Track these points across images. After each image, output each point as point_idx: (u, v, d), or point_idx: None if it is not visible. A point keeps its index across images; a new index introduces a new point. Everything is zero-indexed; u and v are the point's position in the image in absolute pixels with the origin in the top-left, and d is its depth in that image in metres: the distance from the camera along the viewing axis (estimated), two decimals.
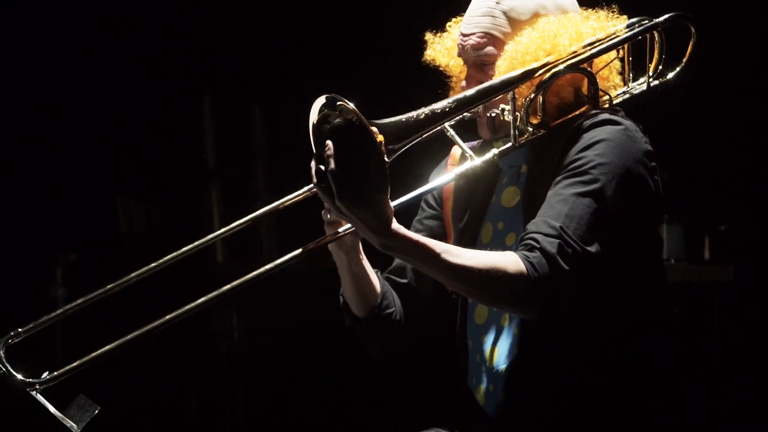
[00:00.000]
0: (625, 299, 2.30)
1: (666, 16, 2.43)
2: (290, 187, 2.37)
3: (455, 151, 2.58)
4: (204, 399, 5.50)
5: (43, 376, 2.20)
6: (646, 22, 2.42)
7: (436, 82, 2.55)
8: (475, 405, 2.43)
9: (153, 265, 2.34)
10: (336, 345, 4.63)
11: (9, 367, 2.21)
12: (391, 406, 5.18)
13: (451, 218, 2.55)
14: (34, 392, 2.19)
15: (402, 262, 2.52)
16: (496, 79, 2.34)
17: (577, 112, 2.35)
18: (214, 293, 2.24)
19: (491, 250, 2.27)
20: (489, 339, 2.41)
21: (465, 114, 2.34)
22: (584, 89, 2.38)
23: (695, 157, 5.14)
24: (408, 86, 3.26)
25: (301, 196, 2.36)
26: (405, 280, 2.54)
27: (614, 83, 2.43)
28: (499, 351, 2.38)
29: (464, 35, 2.42)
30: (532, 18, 2.39)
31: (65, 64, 5.27)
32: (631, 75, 2.44)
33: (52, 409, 2.19)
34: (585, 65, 2.36)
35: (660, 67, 2.44)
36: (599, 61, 2.39)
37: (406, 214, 2.32)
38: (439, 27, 2.55)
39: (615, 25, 2.41)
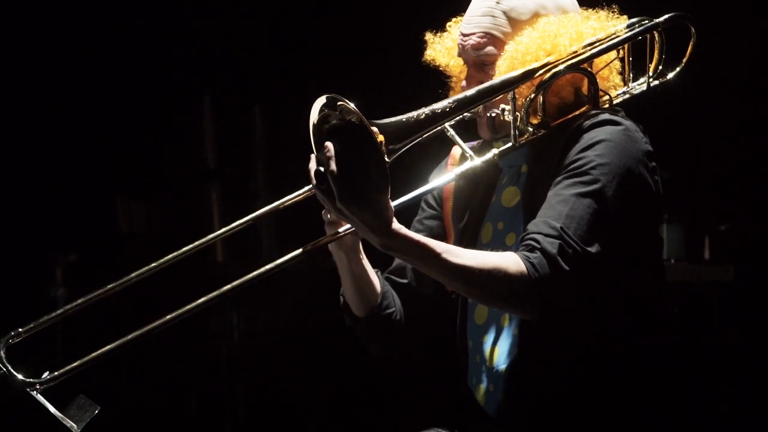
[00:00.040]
0: (626, 299, 2.30)
1: (666, 16, 2.43)
2: (290, 187, 2.37)
3: (455, 151, 2.58)
4: (204, 399, 5.50)
5: (44, 376, 2.20)
6: (647, 22, 2.42)
7: (436, 82, 2.55)
8: (475, 405, 2.43)
9: (153, 265, 2.34)
10: (336, 345, 4.63)
11: (9, 367, 2.21)
12: (391, 406, 5.18)
13: (451, 218, 2.55)
14: (35, 392, 2.20)
15: (402, 262, 2.52)
16: (497, 79, 2.34)
17: (577, 112, 2.35)
18: (214, 293, 2.24)
19: (491, 250, 2.27)
20: (489, 339, 2.41)
21: (465, 114, 2.34)
22: (584, 89, 2.38)
23: (695, 157, 5.14)
24: (408, 86, 3.26)
25: (301, 196, 2.35)
26: (405, 280, 2.54)
27: (614, 83, 2.43)
28: (499, 351, 2.38)
29: (464, 35, 2.42)
30: (532, 18, 2.39)
31: (65, 64, 5.27)
32: (631, 75, 2.44)
33: (52, 409, 2.19)
34: (585, 65, 2.36)
35: (660, 67, 2.44)
36: (599, 61, 2.39)
37: (406, 214, 2.32)
38: (439, 27, 2.55)
39: (615, 25, 2.41)
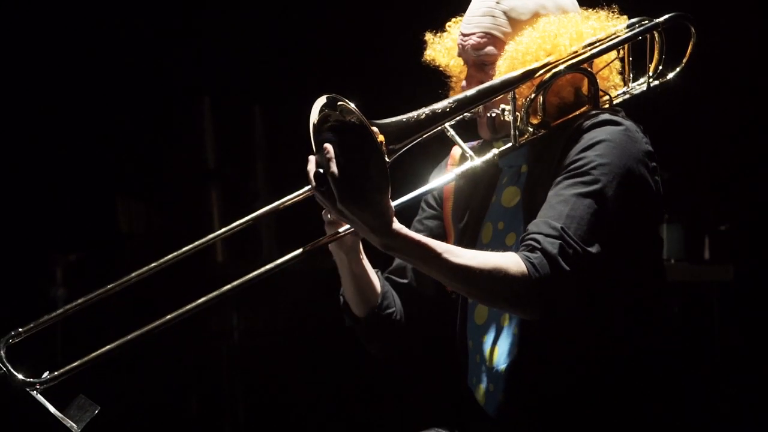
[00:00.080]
0: (626, 299, 2.30)
1: (666, 16, 2.43)
2: (290, 187, 2.36)
3: (455, 151, 2.58)
4: (204, 399, 5.50)
5: (44, 376, 2.20)
6: (647, 22, 2.42)
7: (437, 82, 2.55)
8: (475, 405, 2.43)
9: (153, 265, 2.34)
10: (336, 345, 4.63)
11: (9, 367, 2.21)
12: (391, 406, 5.18)
13: (451, 218, 2.55)
14: (35, 392, 2.20)
15: (402, 262, 2.52)
16: (497, 79, 2.34)
17: (577, 113, 2.35)
18: (214, 293, 2.24)
19: (491, 250, 2.28)
20: (489, 339, 2.41)
21: (465, 114, 2.34)
22: (584, 89, 2.38)
23: (695, 157, 5.14)
24: (408, 86, 3.26)
25: (301, 197, 2.35)
26: (405, 281, 2.54)
27: (614, 83, 2.43)
28: (499, 351, 2.38)
29: (464, 35, 2.42)
30: (532, 18, 2.39)
31: (65, 64, 5.26)
32: (631, 75, 2.44)
33: (52, 409, 2.19)
34: (585, 65, 2.36)
35: (660, 68, 2.44)
36: (599, 61, 2.39)
37: (406, 214, 2.32)
38: (439, 27, 2.55)
39: (615, 25, 2.41)
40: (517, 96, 2.32)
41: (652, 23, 2.41)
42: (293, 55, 5.43)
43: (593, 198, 2.21)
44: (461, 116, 2.33)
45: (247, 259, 5.55)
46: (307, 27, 5.39)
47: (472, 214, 2.49)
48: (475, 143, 2.51)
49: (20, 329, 2.28)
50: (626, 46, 2.41)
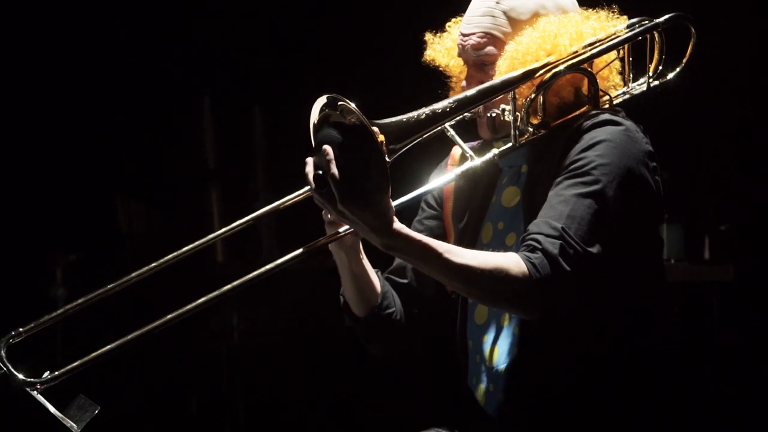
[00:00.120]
0: (626, 299, 2.30)
1: (666, 16, 2.43)
2: (290, 187, 2.36)
3: (455, 151, 2.58)
4: (204, 399, 5.50)
5: (44, 375, 2.20)
6: (647, 22, 2.42)
7: (437, 82, 2.55)
8: (475, 405, 2.43)
9: (153, 265, 2.34)
10: (336, 345, 4.63)
11: (10, 367, 2.21)
12: (391, 406, 5.18)
13: (451, 218, 2.55)
14: (35, 392, 2.20)
15: (402, 262, 2.52)
16: (497, 79, 2.34)
17: (577, 113, 2.35)
18: (214, 293, 2.24)
19: (491, 250, 2.27)
20: (489, 339, 2.41)
21: (465, 114, 2.34)
22: (584, 89, 2.38)
23: (695, 157, 5.13)
24: (408, 86, 3.26)
25: (301, 197, 2.35)
26: (405, 281, 2.54)
27: (614, 83, 2.43)
28: (499, 351, 2.38)
29: (464, 35, 2.42)
30: (532, 18, 2.39)
31: (65, 64, 5.26)
32: (631, 75, 2.44)
33: (52, 409, 2.19)
34: (585, 65, 2.36)
35: (660, 68, 2.44)
36: (599, 62, 2.39)
37: (406, 215, 2.32)
38: (439, 27, 2.55)
39: (615, 25, 2.41)
40: (517, 96, 2.32)
41: (652, 23, 2.41)
42: (293, 55, 5.43)
43: (594, 198, 2.21)
44: (461, 116, 2.33)
45: (247, 259, 5.55)
46: (307, 27, 5.39)
47: (472, 214, 2.49)
48: (475, 143, 2.51)
49: (20, 329, 2.28)
50: (626, 46, 2.41)
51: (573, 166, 2.25)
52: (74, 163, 5.34)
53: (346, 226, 2.27)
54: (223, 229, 2.38)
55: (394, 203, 2.15)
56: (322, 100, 2.13)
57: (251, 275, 2.24)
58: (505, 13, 2.39)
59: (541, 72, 2.33)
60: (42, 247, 5.23)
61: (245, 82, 5.62)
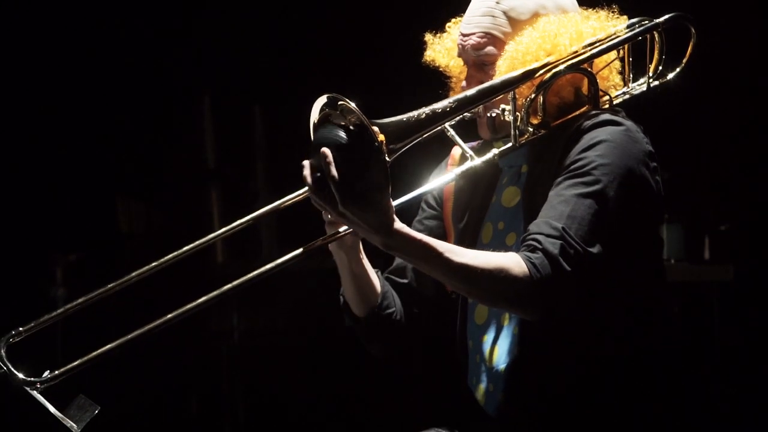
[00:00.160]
0: (626, 299, 2.30)
1: (666, 16, 2.43)
2: (290, 187, 2.36)
3: (455, 151, 2.58)
4: (204, 399, 5.50)
5: (44, 375, 2.20)
6: (647, 22, 2.42)
7: (436, 82, 2.55)
8: (475, 405, 2.43)
9: (153, 265, 2.34)
10: (336, 345, 4.63)
11: (10, 366, 2.21)
12: (391, 406, 5.18)
13: (451, 218, 2.55)
14: (35, 392, 2.19)
15: (402, 262, 2.52)
16: (497, 79, 2.33)
17: (577, 113, 2.35)
18: (214, 293, 2.24)
19: (492, 250, 2.27)
20: (489, 339, 2.41)
21: (465, 114, 2.34)
22: (584, 89, 2.38)
23: (695, 157, 5.13)
24: (408, 86, 3.26)
25: (301, 197, 2.35)
26: (405, 281, 2.54)
27: (614, 83, 2.43)
28: (499, 351, 2.38)
29: (464, 35, 2.42)
30: (532, 18, 2.39)
31: (65, 64, 5.26)
32: (631, 75, 2.44)
33: (52, 409, 2.19)
34: (585, 65, 2.36)
35: (660, 68, 2.44)
36: (599, 62, 2.39)
37: (406, 215, 2.32)
38: (439, 27, 2.55)
39: (615, 25, 2.41)
40: (517, 96, 2.32)
41: (652, 23, 2.41)
42: (293, 55, 5.43)
43: (594, 198, 2.21)
44: (461, 116, 2.33)
45: (247, 259, 5.54)
46: (307, 27, 5.39)
47: (473, 214, 2.49)
48: (475, 143, 2.51)
49: (20, 329, 2.28)
50: (626, 46, 2.41)
51: (573, 166, 2.25)
52: (74, 163, 5.34)
53: (346, 226, 2.27)
54: (223, 229, 2.38)
55: (394, 203, 2.15)
56: (322, 100, 2.13)
57: (251, 275, 2.24)
58: (505, 13, 2.39)
59: (541, 72, 2.33)
60: (42, 247, 5.23)
61: (245, 82, 5.62)
